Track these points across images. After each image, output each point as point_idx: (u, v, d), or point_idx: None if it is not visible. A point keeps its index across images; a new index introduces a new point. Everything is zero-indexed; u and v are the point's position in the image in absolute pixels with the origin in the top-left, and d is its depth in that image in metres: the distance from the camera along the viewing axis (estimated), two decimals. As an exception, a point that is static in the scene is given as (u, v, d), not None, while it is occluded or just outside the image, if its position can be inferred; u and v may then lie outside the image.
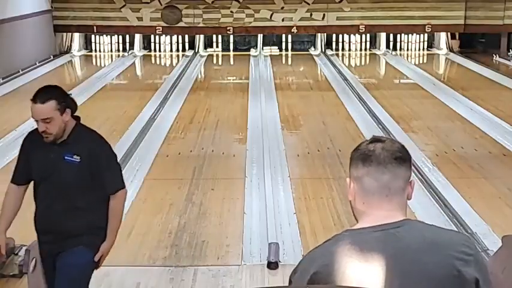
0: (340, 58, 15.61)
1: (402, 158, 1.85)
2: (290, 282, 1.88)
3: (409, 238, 1.79)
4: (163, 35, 16.16)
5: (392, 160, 1.84)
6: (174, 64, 15.13)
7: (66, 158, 3.26)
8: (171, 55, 16.27)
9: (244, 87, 11.96)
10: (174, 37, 16.41)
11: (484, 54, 15.53)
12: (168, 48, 16.50)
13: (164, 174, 6.92)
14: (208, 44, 16.66)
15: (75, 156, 3.27)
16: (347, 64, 15.01)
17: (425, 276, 1.76)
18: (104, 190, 3.35)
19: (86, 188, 3.30)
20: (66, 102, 3.28)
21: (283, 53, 16.53)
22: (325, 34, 16.36)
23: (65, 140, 3.30)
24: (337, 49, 16.46)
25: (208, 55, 16.08)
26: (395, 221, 1.82)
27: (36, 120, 3.22)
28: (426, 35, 16.47)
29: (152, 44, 16.56)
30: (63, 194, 3.30)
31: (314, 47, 16.66)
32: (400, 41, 16.51)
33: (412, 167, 1.98)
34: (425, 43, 16.66)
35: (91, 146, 3.31)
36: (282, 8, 15.39)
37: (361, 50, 16.59)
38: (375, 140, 1.88)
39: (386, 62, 15.09)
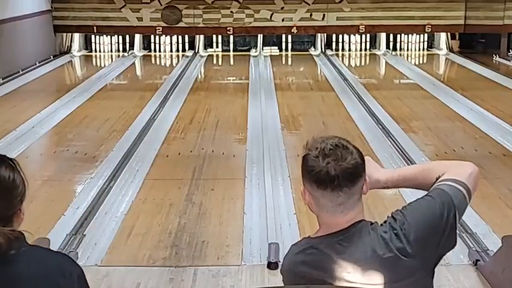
0: (340, 58, 15.61)
1: (356, 173, 1.90)
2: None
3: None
4: (163, 35, 16.16)
5: (347, 182, 1.89)
6: (174, 64, 15.13)
7: None
8: (171, 55, 16.28)
9: (244, 87, 11.96)
10: (174, 37, 16.41)
11: (484, 54, 15.52)
12: (168, 48, 16.50)
13: (164, 174, 6.92)
14: (208, 44, 16.66)
15: None
16: (347, 64, 15.01)
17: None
18: None
19: None
20: None
21: (283, 53, 16.53)
22: (325, 34, 16.36)
23: None
24: (337, 49, 16.46)
25: (208, 55, 16.08)
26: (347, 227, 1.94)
27: None
28: (426, 35, 16.47)
29: (152, 44, 16.56)
30: None
31: (314, 47, 16.66)
32: (400, 41, 16.51)
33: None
34: (425, 43, 16.66)
35: None
36: (282, 8, 15.39)
37: (361, 50, 16.59)
38: (326, 155, 1.89)
39: (386, 62, 15.09)
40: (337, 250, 1.94)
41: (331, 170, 1.88)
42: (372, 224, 2.00)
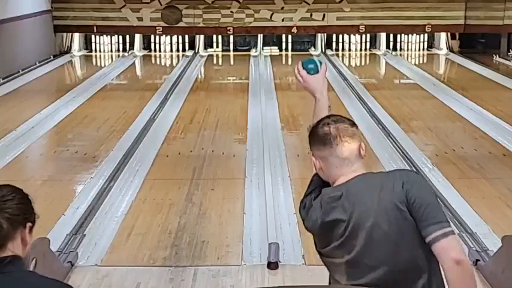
0: (340, 58, 15.61)
1: (353, 132, 2.40)
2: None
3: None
4: (164, 35, 16.16)
5: (347, 137, 2.38)
6: (174, 64, 15.13)
7: None
8: (171, 55, 16.27)
9: (244, 87, 11.96)
10: (174, 37, 16.41)
11: (484, 54, 15.52)
12: (168, 48, 16.50)
13: (164, 174, 6.92)
14: (208, 44, 16.66)
15: None
16: (347, 64, 15.01)
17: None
18: None
19: None
20: None
21: (283, 53, 16.53)
22: (325, 34, 16.36)
23: None
24: (337, 49, 16.46)
25: (208, 55, 16.08)
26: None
27: None
28: (426, 35, 16.46)
29: (152, 44, 16.56)
30: None
31: (314, 47, 16.66)
32: (400, 41, 16.51)
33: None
34: (425, 43, 16.65)
35: None
36: (282, 8, 15.39)
37: (361, 50, 16.59)
38: (327, 123, 2.44)
39: (386, 62, 15.09)
40: (344, 193, 2.34)
41: (333, 130, 2.39)
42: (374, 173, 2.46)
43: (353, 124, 2.45)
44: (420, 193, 2.30)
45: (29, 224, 1.96)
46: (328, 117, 2.51)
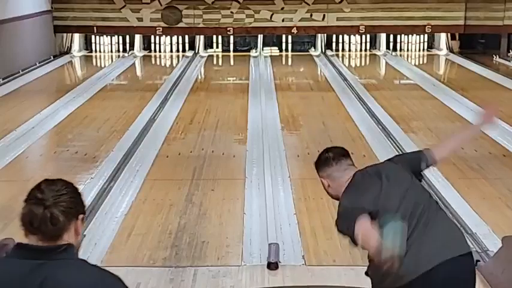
0: (340, 59, 15.61)
1: (344, 154, 3.19)
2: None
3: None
4: (164, 36, 16.17)
5: (341, 158, 3.17)
6: (174, 65, 15.13)
7: None
8: (171, 56, 16.28)
9: (244, 87, 11.96)
10: (174, 38, 16.42)
11: (484, 54, 15.53)
12: (168, 48, 16.50)
13: (164, 174, 6.92)
14: (208, 45, 16.67)
15: None
16: (347, 65, 15.02)
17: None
18: None
19: None
20: None
21: (283, 53, 16.54)
22: (325, 35, 16.37)
23: None
24: (337, 50, 16.46)
25: (208, 56, 16.09)
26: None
27: None
28: (426, 35, 16.47)
29: (152, 45, 16.56)
30: None
31: (314, 48, 16.66)
32: (400, 42, 16.52)
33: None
34: (425, 44, 16.66)
35: None
36: (282, 8, 15.40)
37: (361, 50, 16.59)
38: (325, 151, 3.21)
39: (386, 63, 15.09)
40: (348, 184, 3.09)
41: (330, 155, 3.18)
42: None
43: (345, 151, 3.26)
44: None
45: (80, 216, 2.06)
46: (329, 148, 3.28)
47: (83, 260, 2.02)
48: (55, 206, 2.00)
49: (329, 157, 3.14)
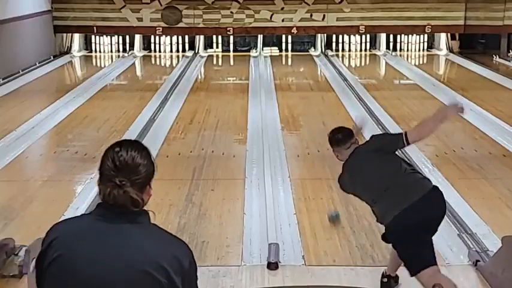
0: (340, 59, 15.61)
1: (350, 135, 4.22)
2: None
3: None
4: (163, 36, 16.17)
5: (347, 139, 4.20)
6: (174, 65, 15.14)
7: None
8: (171, 56, 16.28)
9: (244, 87, 11.97)
10: (174, 38, 16.42)
11: (484, 54, 15.54)
12: (168, 48, 16.51)
13: (164, 174, 6.91)
14: (208, 45, 16.67)
15: None
16: (347, 65, 15.02)
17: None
18: None
19: None
20: None
21: (283, 53, 16.54)
22: (325, 35, 16.37)
23: None
24: (337, 50, 16.46)
25: (208, 56, 16.09)
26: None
27: None
28: (426, 35, 16.48)
29: (152, 45, 16.57)
30: None
31: (314, 48, 16.66)
32: (400, 42, 16.52)
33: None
34: (425, 44, 16.67)
35: None
36: (282, 8, 15.40)
37: (361, 50, 16.60)
38: (337, 132, 4.30)
39: (386, 63, 15.09)
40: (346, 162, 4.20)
41: (339, 136, 4.25)
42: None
43: (351, 131, 4.28)
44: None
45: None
46: (335, 129, 4.34)
47: (155, 224, 2.14)
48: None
49: (339, 138, 4.23)
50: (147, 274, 1.99)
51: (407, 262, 3.93)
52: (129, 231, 2.05)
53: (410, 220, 3.80)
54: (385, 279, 4.40)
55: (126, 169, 2.09)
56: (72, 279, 2.00)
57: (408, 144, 4.06)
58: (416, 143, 4.35)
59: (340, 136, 4.23)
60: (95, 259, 2.00)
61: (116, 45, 16.45)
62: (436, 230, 3.91)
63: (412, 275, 3.88)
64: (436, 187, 3.97)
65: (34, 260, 3.40)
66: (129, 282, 1.99)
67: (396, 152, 4.15)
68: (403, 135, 4.06)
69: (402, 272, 4.52)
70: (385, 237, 4.04)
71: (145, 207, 2.15)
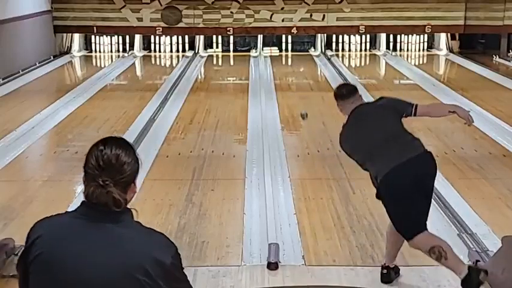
0: (340, 59, 15.61)
1: (354, 91, 4.47)
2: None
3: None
4: (163, 36, 16.17)
5: (351, 95, 4.44)
6: (174, 65, 15.14)
7: None
8: (171, 56, 16.28)
9: (244, 87, 11.97)
10: (174, 38, 16.42)
11: (484, 54, 15.54)
12: (168, 48, 16.51)
13: (164, 174, 6.92)
14: (208, 45, 16.67)
15: None
16: (347, 65, 15.01)
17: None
18: None
19: None
20: None
21: (283, 53, 16.54)
22: (325, 35, 16.37)
23: None
24: (337, 50, 16.46)
25: (208, 56, 16.09)
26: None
27: None
28: (426, 35, 16.48)
29: (152, 45, 16.57)
30: None
31: (314, 48, 16.66)
32: (400, 42, 16.52)
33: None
34: (425, 44, 16.67)
35: None
36: (282, 8, 15.40)
37: (361, 50, 16.60)
38: (342, 87, 4.57)
39: (386, 63, 15.09)
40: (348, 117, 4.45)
41: (345, 91, 4.49)
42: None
43: (355, 87, 4.56)
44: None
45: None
46: (342, 85, 4.69)
47: (138, 222, 2.22)
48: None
49: (343, 93, 4.45)
50: (127, 274, 2.00)
51: (400, 224, 4.10)
52: (111, 231, 2.05)
53: (407, 172, 4.03)
54: (385, 271, 4.41)
55: (110, 168, 2.09)
56: (52, 279, 2.01)
57: (415, 115, 4.36)
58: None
59: (345, 91, 4.46)
60: (75, 259, 2.00)
61: (116, 45, 16.45)
62: (428, 193, 4.09)
63: (408, 239, 4.07)
64: (429, 151, 4.22)
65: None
66: (110, 283, 2.00)
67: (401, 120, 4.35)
68: (414, 105, 4.37)
69: (403, 272, 4.53)
70: (378, 194, 4.21)
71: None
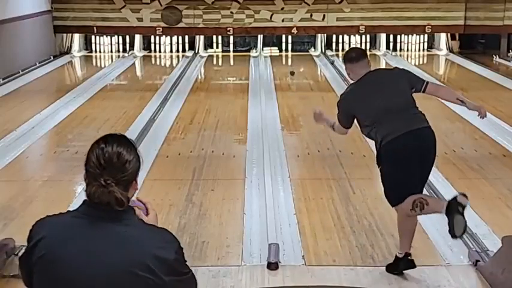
0: (340, 59, 15.60)
1: (363, 56, 4.55)
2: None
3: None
4: (164, 36, 16.17)
5: (361, 58, 4.52)
6: (174, 65, 15.14)
7: None
8: (171, 56, 16.28)
9: (244, 87, 11.96)
10: (174, 38, 16.41)
11: (484, 55, 15.53)
12: (168, 48, 16.50)
13: (164, 174, 6.92)
14: (208, 45, 16.67)
15: None
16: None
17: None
18: None
19: None
20: None
21: (283, 53, 16.54)
22: (325, 35, 16.37)
23: None
24: (337, 50, 16.46)
25: (208, 56, 16.09)
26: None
27: None
28: (426, 35, 16.47)
29: (152, 45, 16.56)
30: None
31: (314, 48, 16.66)
32: (400, 42, 16.51)
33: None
34: (425, 44, 16.66)
35: None
36: (282, 8, 15.39)
37: (361, 50, 16.56)
38: (351, 51, 4.65)
39: (386, 63, 15.08)
40: (360, 79, 4.51)
41: (354, 54, 4.54)
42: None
43: (364, 52, 4.68)
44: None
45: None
46: (352, 48, 5.04)
47: (140, 219, 2.18)
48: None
49: (352, 57, 4.48)
50: (131, 274, 1.99)
51: (390, 189, 4.28)
52: (114, 230, 2.04)
53: (412, 141, 4.22)
54: (410, 257, 4.40)
55: (111, 167, 2.09)
56: (57, 279, 2.01)
57: (424, 91, 4.55)
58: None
59: (354, 54, 4.53)
60: (79, 259, 2.00)
61: (116, 45, 16.45)
62: (426, 167, 4.30)
63: (392, 206, 4.30)
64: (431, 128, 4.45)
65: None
66: (115, 281, 1.99)
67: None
68: (425, 82, 4.55)
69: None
70: (378, 159, 4.36)
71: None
